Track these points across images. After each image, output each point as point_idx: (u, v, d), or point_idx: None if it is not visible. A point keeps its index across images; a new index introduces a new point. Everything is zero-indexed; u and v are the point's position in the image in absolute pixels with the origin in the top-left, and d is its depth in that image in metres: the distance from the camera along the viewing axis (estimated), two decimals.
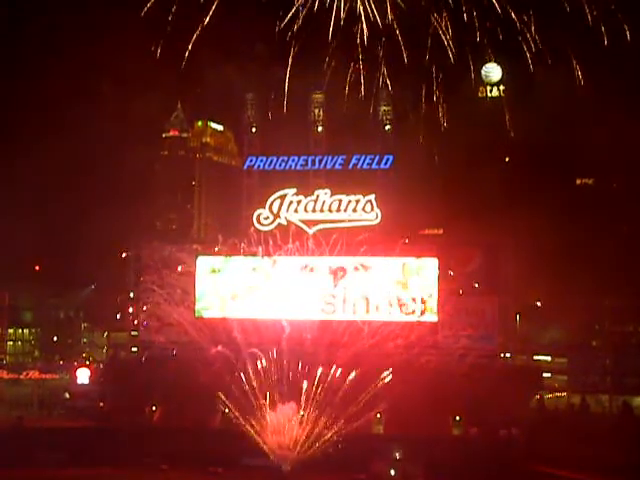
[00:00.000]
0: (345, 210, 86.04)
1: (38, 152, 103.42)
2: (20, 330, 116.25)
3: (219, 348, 78.96)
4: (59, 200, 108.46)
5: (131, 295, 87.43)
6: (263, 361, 76.93)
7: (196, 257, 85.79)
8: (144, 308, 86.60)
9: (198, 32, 74.10)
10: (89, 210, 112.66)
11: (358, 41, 75.97)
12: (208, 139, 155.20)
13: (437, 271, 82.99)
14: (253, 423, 72.84)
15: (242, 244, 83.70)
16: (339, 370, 75.23)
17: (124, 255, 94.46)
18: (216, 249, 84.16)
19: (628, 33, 66.89)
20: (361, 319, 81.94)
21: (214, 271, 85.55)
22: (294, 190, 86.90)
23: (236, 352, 78.39)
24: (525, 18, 70.96)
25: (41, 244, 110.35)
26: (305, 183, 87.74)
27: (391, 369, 75.33)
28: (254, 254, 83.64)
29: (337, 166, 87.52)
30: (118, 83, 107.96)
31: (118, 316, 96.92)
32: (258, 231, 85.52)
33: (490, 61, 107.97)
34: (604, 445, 68.57)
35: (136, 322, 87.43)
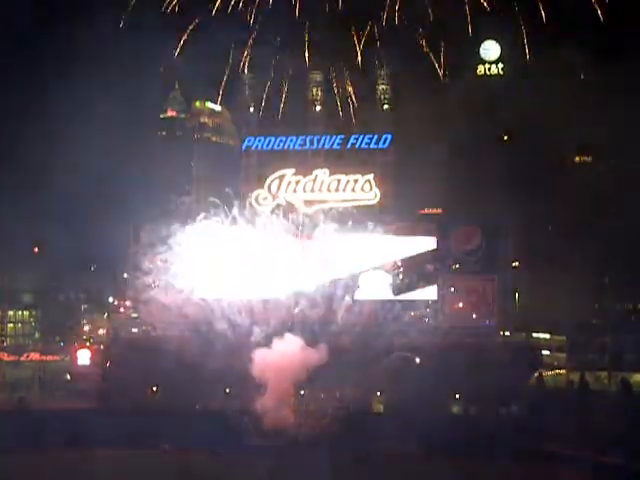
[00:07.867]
0: (344, 190, 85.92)
1: (36, 134, 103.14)
2: (20, 312, 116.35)
3: (219, 327, 79.23)
4: (58, 181, 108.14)
5: (130, 276, 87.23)
6: (261, 339, 77.42)
7: (194, 237, 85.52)
8: (144, 288, 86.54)
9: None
10: (88, 191, 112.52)
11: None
12: (206, 119, 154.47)
13: (436, 250, 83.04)
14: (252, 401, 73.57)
15: (239, 224, 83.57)
16: (337, 349, 75.63)
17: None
18: (213, 229, 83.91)
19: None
20: (359, 298, 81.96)
21: (212, 251, 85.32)
22: (293, 170, 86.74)
23: (235, 331, 78.65)
24: None
25: (41, 225, 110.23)
26: (304, 163, 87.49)
27: (390, 348, 75.70)
28: (251, 234, 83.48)
29: (335, 146, 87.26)
30: (116, 63, 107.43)
31: (118, 297, 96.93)
32: (256, 211, 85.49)
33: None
34: (603, 422, 68.87)
35: (136, 303, 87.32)
